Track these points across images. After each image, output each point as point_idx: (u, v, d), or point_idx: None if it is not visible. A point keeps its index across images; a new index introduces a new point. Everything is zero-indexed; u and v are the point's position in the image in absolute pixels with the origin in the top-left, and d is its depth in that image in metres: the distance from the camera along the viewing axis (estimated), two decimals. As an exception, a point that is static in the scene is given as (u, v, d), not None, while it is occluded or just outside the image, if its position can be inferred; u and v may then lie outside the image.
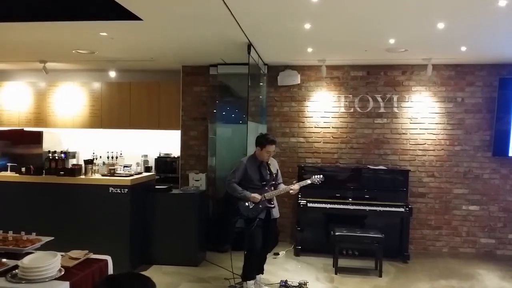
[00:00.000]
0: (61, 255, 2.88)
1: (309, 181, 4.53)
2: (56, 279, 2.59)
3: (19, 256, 2.86)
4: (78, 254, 3.00)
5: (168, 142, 7.21)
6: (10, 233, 3.17)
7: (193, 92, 6.83)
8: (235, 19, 4.08)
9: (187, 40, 5.08)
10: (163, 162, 7.12)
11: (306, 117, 6.53)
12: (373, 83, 6.36)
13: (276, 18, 4.11)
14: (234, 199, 4.42)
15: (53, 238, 3.25)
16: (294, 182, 4.61)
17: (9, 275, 2.59)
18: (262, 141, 4.38)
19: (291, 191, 4.50)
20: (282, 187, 4.57)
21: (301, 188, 4.64)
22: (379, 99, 6.33)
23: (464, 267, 5.54)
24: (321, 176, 4.54)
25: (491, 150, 6.05)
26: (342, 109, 6.43)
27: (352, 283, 4.87)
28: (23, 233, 3.19)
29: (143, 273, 4.89)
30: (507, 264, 5.67)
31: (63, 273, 2.67)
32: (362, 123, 6.39)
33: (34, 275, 2.53)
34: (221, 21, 4.17)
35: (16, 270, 2.61)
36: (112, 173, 5.12)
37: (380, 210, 5.61)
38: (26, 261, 2.62)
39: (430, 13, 3.85)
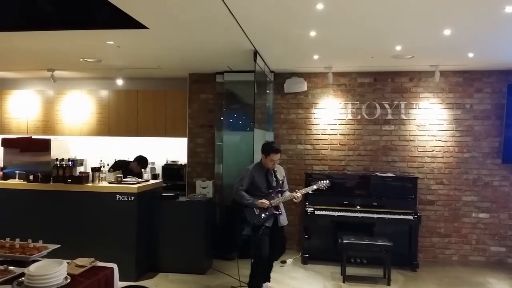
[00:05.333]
0: (67, 262, 2.88)
1: (315, 187, 4.53)
2: (62, 287, 2.59)
3: (25, 263, 2.87)
4: (84, 261, 3.00)
5: (175, 149, 7.23)
6: (17, 241, 3.18)
7: (200, 100, 6.85)
8: (241, 27, 4.09)
9: (193, 48, 5.10)
10: (170, 170, 7.13)
11: (313, 124, 6.51)
12: (380, 90, 6.33)
13: (281, 26, 4.11)
14: (241, 207, 4.41)
15: (59, 245, 3.25)
16: (296, 190, 4.55)
17: (16, 283, 2.59)
18: (267, 149, 4.41)
19: (294, 199, 4.47)
20: (287, 194, 4.55)
21: (309, 195, 4.61)
22: (387, 106, 6.30)
23: (474, 275, 5.46)
24: (327, 181, 4.53)
25: (501, 157, 5.98)
26: (349, 116, 6.41)
27: (360, 292, 4.82)
28: (29, 240, 3.20)
29: (148, 281, 4.92)
30: (518, 273, 5.59)
31: (69, 281, 2.67)
32: (369, 130, 6.35)
33: (40, 282, 2.53)
34: (227, 29, 4.18)
35: (23, 278, 2.61)
36: (119, 180, 5.13)
37: (388, 218, 5.56)
38: (32, 268, 2.62)
39: (437, 19, 3.83)
